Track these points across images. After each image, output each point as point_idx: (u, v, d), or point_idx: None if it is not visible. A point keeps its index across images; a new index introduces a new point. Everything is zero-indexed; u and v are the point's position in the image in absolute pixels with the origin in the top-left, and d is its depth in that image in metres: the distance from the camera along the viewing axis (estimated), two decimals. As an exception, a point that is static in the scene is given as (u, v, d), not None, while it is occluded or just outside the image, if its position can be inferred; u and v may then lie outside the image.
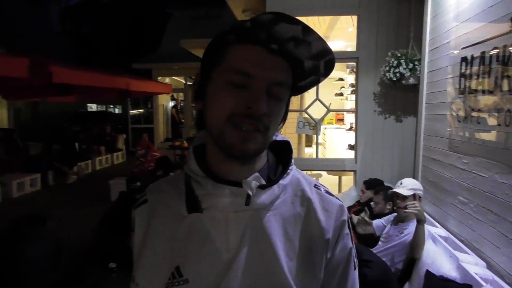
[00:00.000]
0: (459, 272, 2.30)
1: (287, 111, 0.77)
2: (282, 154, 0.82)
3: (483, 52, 2.45)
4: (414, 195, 2.79)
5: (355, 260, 0.81)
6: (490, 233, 2.37)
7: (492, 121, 2.34)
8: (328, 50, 0.68)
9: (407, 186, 2.85)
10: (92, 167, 10.38)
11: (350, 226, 0.81)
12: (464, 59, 2.73)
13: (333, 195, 0.81)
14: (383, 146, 4.40)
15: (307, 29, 0.64)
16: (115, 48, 21.89)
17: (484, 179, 2.46)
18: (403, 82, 3.97)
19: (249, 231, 0.71)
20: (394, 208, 2.99)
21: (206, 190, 0.73)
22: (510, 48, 2.14)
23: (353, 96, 7.29)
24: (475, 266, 2.31)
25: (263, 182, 0.73)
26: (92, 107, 21.97)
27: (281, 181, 0.75)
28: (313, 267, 0.74)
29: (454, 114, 2.88)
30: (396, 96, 4.36)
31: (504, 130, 2.20)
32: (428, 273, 2.40)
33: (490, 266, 2.34)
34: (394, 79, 3.96)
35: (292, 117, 4.75)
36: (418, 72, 3.84)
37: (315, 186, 0.81)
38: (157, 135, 11.57)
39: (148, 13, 21.88)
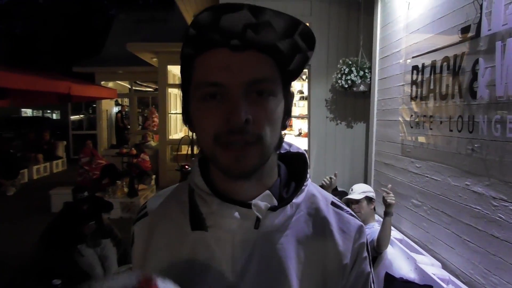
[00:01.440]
0: (417, 273, 2.38)
1: (288, 104, 0.67)
2: (296, 167, 0.74)
3: (434, 61, 2.57)
4: (366, 197, 2.85)
5: (373, 286, 0.74)
6: (444, 234, 2.47)
7: (444, 127, 2.45)
8: (294, 22, 0.58)
9: (357, 191, 2.91)
10: (29, 176, 9.65)
11: (369, 249, 0.74)
12: (415, 67, 2.85)
13: (353, 215, 0.74)
14: (335, 152, 4.50)
15: (256, 10, 0.55)
16: (52, 50, 20.69)
17: (437, 182, 2.56)
18: (354, 89, 4.08)
19: (257, 253, 0.65)
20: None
21: (211, 208, 0.66)
22: (460, 57, 2.26)
23: (301, 103, 7.47)
24: (431, 267, 2.39)
25: (275, 203, 0.66)
26: (27, 112, 20.58)
27: (294, 200, 0.68)
28: None
29: (407, 120, 3.00)
30: (347, 102, 4.49)
31: (456, 135, 2.31)
32: (388, 275, 2.45)
33: (445, 266, 2.44)
34: (346, 86, 4.07)
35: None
36: (368, 79, 3.97)
37: (333, 204, 0.74)
38: (101, 141, 11.05)
39: (89, 14, 20.96)
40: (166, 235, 0.70)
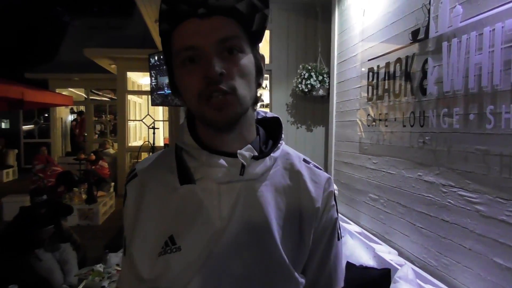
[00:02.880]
0: (376, 261, 2.51)
1: (258, 63, 0.76)
2: (272, 130, 0.84)
3: (387, 63, 2.76)
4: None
5: (339, 231, 0.85)
6: (400, 224, 2.64)
7: (398, 123, 2.63)
8: None
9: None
10: (-24, 186, 9.12)
11: (336, 199, 0.85)
12: (370, 70, 3.04)
13: (320, 169, 0.85)
14: (296, 154, 4.63)
15: None
16: (2, 56, 19.70)
17: (392, 175, 2.74)
18: (314, 93, 4.26)
19: (241, 200, 0.73)
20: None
21: (199, 162, 0.74)
22: (411, 58, 2.45)
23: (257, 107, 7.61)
24: (388, 255, 2.54)
25: (256, 153, 0.75)
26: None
27: (272, 154, 0.78)
28: (302, 235, 0.77)
29: (364, 119, 3.17)
30: (306, 106, 4.66)
31: (409, 130, 2.49)
32: (348, 264, 2.57)
33: (401, 254, 2.59)
34: (306, 90, 4.24)
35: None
36: (327, 84, 4.17)
37: (304, 160, 0.84)
38: (55, 150, 10.65)
39: (41, 20, 20.20)
40: (156, 191, 0.77)
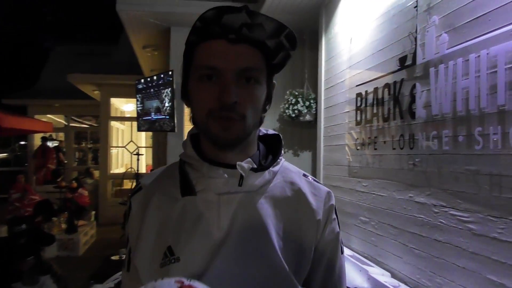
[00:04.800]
0: (370, 283, 2.52)
1: (270, 92, 0.81)
2: (273, 146, 0.88)
3: (376, 88, 2.86)
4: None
5: (342, 245, 0.87)
6: (392, 245, 2.67)
7: (387, 146, 2.71)
8: (281, 26, 0.72)
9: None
10: None
11: (337, 213, 0.87)
12: (359, 94, 3.14)
13: (320, 183, 0.88)
14: (283, 179, 4.66)
15: (252, 13, 0.69)
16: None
17: (383, 197, 2.79)
18: (301, 118, 4.35)
19: (241, 211, 0.75)
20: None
21: (200, 173, 0.77)
22: (400, 84, 2.55)
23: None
24: (382, 277, 2.55)
25: (255, 166, 0.78)
26: None
27: (271, 168, 0.81)
28: (303, 246, 0.79)
29: (353, 143, 3.25)
30: (293, 132, 4.75)
31: (399, 152, 2.57)
32: None
33: (394, 275, 2.61)
34: (293, 115, 4.33)
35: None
36: (314, 109, 4.26)
37: (304, 175, 0.88)
38: (32, 178, 10.35)
39: (23, 46, 20.06)
40: (159, 203, 0.79)
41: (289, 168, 0.87)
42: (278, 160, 0.84)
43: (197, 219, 0.74)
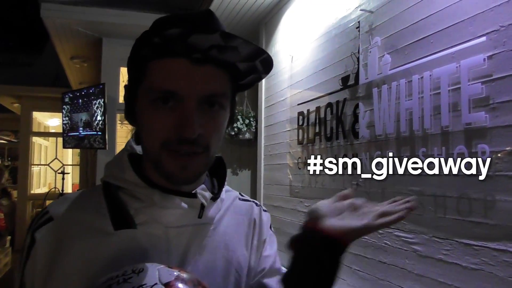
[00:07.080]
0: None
1: (233, 112, 0.72)
2: (215, 168, 0.78)
3: (318, 107, 2.84)
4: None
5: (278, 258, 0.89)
6: (336, 267, 2.61)
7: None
8: (259, 51, 0.63)
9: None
10: None
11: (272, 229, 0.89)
12: (300, 113, 3.11)
13: (256, 203, 0.85)
14: (222, 198, 4.52)
15: (227, 36, 0.58)
16: None
17: (326, 218, 2.73)
18: (240, 136, 4.26)
19: (193, 248, 0.67)
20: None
21: (146, 203, 0.64)
22: (342, 103, 2.54)
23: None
24: (326, 301, 2.47)
25: (211, 195, 0.70)
26: None
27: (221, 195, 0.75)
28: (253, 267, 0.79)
29: (295, 162, 3.19)
30: (232, 150, 4.63)
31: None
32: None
33: (338, 299, 2.54)
34: (232, 133, 4.22)
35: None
36: (253, 128, 4.19)
37: (240, 197, 0.85)
38: None
39: None
40: (80, 239, 0.63)
41: (228, 190, 0.82)
42: (225, 186, 0.78)
43: (140, 257, 0.61)
